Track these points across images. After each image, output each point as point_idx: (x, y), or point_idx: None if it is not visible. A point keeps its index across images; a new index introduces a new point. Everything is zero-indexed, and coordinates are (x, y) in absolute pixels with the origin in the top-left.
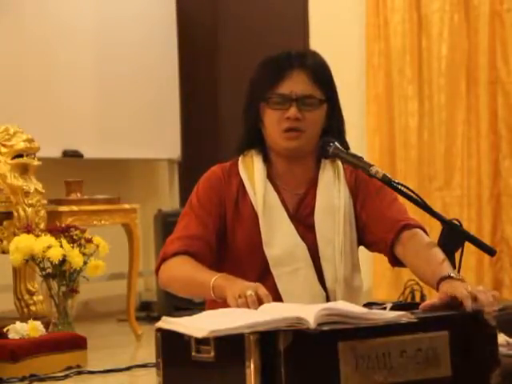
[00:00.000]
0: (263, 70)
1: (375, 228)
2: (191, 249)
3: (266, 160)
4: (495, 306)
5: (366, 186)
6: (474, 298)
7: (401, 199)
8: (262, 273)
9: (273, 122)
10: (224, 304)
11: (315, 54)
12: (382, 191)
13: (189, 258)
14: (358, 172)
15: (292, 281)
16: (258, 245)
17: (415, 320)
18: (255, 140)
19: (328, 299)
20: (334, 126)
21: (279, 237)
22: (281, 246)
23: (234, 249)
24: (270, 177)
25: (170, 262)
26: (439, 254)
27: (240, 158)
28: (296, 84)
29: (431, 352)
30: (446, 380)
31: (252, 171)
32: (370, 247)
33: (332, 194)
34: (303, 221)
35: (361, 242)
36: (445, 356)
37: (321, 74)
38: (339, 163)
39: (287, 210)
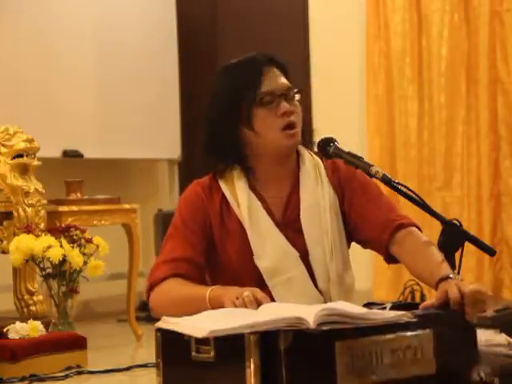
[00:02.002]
0: (236, 78)
1: (367, 227)
2: (179, 271)
3: (246, 169)
4: (482, 305)
5: (350, 184)
6: (461, 297)
7: (401, 200)
8: (258, 284)
9: (267, 124)
10: None
11: (272, 54)
12: (367, 188)
13: (178, 279)
14: (340, 170)
15: (287, 290)
16: (250, 257)
17: (406, 319)
18: (235, 155)
19: (324, 301)
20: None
21: (269, 248)
22: (272, 258)
23: (226, 264)
24: (252, 186)
25: (161, 288)
26: (437, 253)
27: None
28: (276, 80)
29: (419, 350)
30: (431, 377)
31: (233, 184)
32: (364, 245)
33: (316, 194)
34: (291, 225)
35: (352, 239)
36: (429, 354)
37: (284, 67)
38: (319, 162)
39: (273, 218)
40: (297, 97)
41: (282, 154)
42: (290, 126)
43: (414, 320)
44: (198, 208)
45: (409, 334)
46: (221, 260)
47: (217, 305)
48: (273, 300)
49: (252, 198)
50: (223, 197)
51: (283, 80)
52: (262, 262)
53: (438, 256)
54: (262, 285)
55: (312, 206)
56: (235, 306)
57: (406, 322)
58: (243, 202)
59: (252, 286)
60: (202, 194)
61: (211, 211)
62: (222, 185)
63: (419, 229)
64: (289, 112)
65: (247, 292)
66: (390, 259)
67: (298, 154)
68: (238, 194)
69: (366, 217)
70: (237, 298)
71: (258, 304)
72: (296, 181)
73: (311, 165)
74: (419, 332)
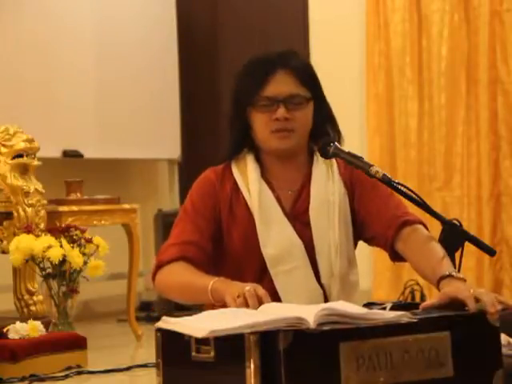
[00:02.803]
0: (246, 75)
1: (374, 224)
2: (187, 254)
3: (258, 160)
4: (499, 306)
5: (361, 182)
6: (477, 300)
7: (401, 200)
8: (260, 272)
9: (261, 125)
10: (222, 307)
11: (295, 54)
12: (377, 186)
13: (185, 263)
14: (352, 168)
15: (289, 279)
16: (255, 245)
17: (416, 320)
18: (245, 144)
19: (325, 295)
20: (323, 122)
21: (276, 236)
22: (277, 246)
23: (230, 251)
24: (264, 176)
25: (166, 269)
26: (439, 250)
27: (233, 160)
28: (281, 85)
29: (433, 352)
30: (448, 381)
31: (245, 171)
32: (370, 242)
33: (326, 189)
34: (300, 218)
35: (360, 237)
36: (446, 356)
37: (304, 72)
38: (332, 159)
39: (283, 208)
40: (304, 105)
41: (275, 154)
42: (282, 130)
43: (429, 322)
44: (209, 194)
45: (422, 335)
46: (225, 246)
47: (218, 298)
48: (273, 291)
49: (263, 186)
50: (234, 183)
51: (288, 87)
52: (268, 249)
53: (440, 253)
54: (263, 274)
55: (322, 201)
56: (236, 302)
57: (419, 324)
58: (254, 188)
59: (253, 274)
60: (214, 180)
61: (221, 197)
62: (235, 169)
63: (425, 226)
64: (282, 118)
65: (248, 287)
66: (396, 257)
67: (311, 152)
68: (250, 180)
69: (374, 213)
70: (238, 296)
71: (259, 300)
72: (308, 176)
73: (324, 161)
74: (435, 334)
